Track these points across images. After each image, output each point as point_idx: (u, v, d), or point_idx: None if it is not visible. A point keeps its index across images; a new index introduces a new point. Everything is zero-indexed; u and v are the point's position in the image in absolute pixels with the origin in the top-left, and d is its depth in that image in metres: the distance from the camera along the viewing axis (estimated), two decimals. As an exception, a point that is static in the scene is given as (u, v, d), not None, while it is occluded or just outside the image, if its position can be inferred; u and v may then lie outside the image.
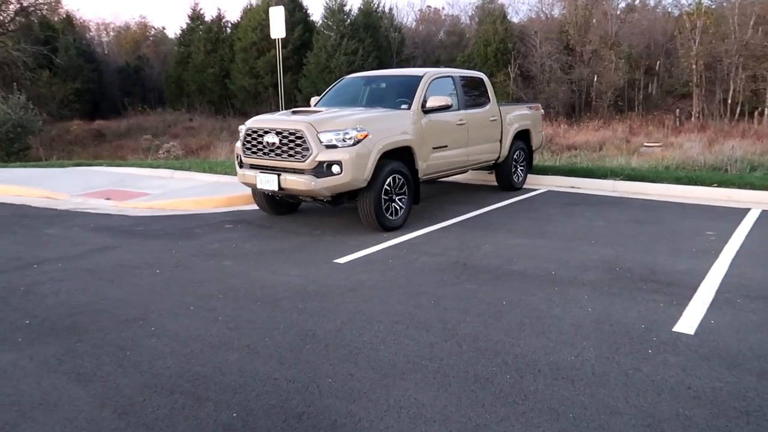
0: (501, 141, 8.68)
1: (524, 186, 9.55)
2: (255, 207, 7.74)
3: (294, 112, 6.96)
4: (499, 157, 8.73)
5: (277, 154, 6.39)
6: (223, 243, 6.24)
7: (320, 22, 37.19)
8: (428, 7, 50.03)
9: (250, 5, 39.71)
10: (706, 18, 31.49)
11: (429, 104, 7.05)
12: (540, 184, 9.82)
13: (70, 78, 39.79)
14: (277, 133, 6.35)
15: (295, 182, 6.22)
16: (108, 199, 8.94)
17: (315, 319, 4.11)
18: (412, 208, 6.99)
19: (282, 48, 36.89)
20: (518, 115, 9.18)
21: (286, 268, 5.34)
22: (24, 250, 6.07)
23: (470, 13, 45.67)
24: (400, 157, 6.74)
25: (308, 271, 5.24)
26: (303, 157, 6.17)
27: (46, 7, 45.05)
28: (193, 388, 3.19)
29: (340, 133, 6.10)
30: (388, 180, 6.49)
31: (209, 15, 43.48)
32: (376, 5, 39.10)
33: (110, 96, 45.32)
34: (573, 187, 9.53)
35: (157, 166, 11.75)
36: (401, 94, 7.27)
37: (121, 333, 3.94)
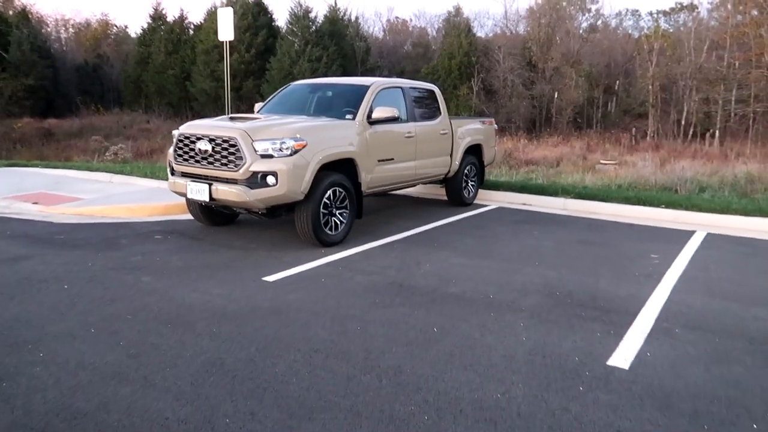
0: (452, 155, 8.48)
1: (475, 201, 9.37)
2: (191, 217, 7.32)
3: (232, 119, 6.61)
4: (449, 171, 8.52)
5: (209, 162, 6.01)
6: (147, 256, 5.81)
7: (285, 27, 36.76)
8: (396, 17, 50.04)
9: (214, 7, 38.96)
10: (664, 40, 32.34)
11: (375, 115, 6.78)
12: (491, 200, 9.65)
13: (22, 74, 38.29)
14: (210, 140, 5.97)
15: (228, 193, 5.86)
16: (35, 203, 8.37)
17: (227, 346, 3.76)
18: (355, 222, 6.69)
19: (246, 52, 36.59)
20: (470, 129, 9.01)
21: (210, 285, 4.96)
22: (-77, 259, 5.53)
23: (437, 26, 45.94)
24: (341, 169, 6.44)
25: (233, 289, 4.88)
26: (236, 166, 5.81)
27: (-1, -1, 43.53)
28: (68, 429, 2.80)
29: (277, 143, 5.77)
30: (328, 193, 6.18)
31: (172, 15, 42.57)
32: (342, 13, 38.92)
33: (66, 94, 43.78)
34: (525, 204, 9.39)
35: (96, 169, 11.16)
36: (347, 103, 6.99)
37: (4, 359, 3.51)
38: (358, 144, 6.56)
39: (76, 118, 36.29)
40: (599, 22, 40.77)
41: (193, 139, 6.12)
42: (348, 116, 6.79)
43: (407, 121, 7.53)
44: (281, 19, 38.28)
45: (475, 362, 3.62)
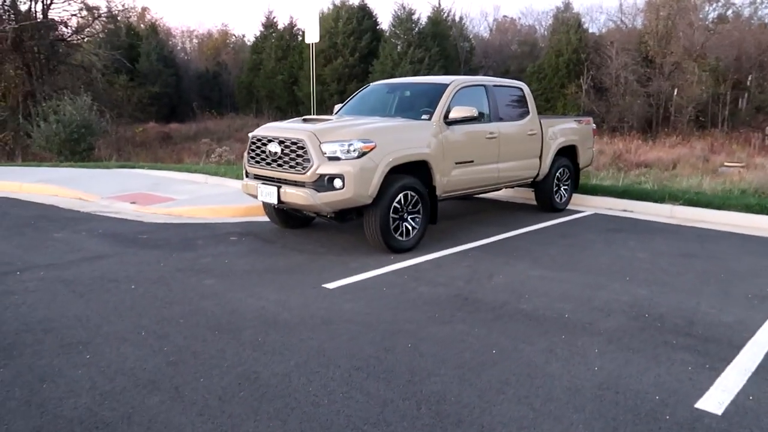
0: (541, 157, 7.88)
1: (569, 207, 8.68)
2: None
3: (305, 120, 6.51)
4: (538, 174, 7.93)
5: (278, 165, 5.94)
6: (217, 257, 5.83)
7: (388, 30, 36.94)
8: (504, 16, 48.60)
9: (322, 13, 39.98)
10: (805, 28, 28.87)
11: (452, 115, 6.40)
12: (588, 205, 8.90)
13: (149, 82, 41.64)
14: (280, 142, 5.90)
15: (295, 195, 5.74)
16: (133, 203, 8.81)
17: (267, 358, 3.58)
18: (432, 227, 6.36)
19: (350, 56, 37.24)
20: (563, 129, 8.35)
21: (269, 291, 4.84)
22: (19, 255, 5.90)
23: (545, 23, 44.22)
24: (414, 172, 6.13)
25: (290, 295, 4.73)
26: (303, 168, 5.69)
27: (132, 15, 47.60)
28: (85, 440, 2.73)
29: (345, 144, 5.57)
30: (399, 197, 5.89)
31: (282, 23, 44.24)
32: (445, 14, 38.54)
33: (188, 100, 46.97)
34: (625, 211, 8.56)
35: (195, 171, 11.64)
36: (425, 103, 6.67)
37: (53, 359, 3.55)
38: (432, 145, 6.21)
39: (194, 122, 38.75)
40: (729, 12, 37.23)
41: (264, 141, 6.08)
42: (424, 116, 6.47)
43: (490, 120, 7.07)
44: (385, 22, 38.33)
45: (532, 394, 3.17)
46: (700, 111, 30.76)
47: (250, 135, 6.41)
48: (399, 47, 35.26)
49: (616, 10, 48.56)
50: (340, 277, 5.21)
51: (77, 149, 18.28)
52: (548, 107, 33.85)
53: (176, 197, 9.22)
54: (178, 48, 59.36)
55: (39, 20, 23.54)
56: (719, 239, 6.85)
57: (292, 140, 5.77)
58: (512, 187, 8.43)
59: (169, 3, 71.61)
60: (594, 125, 9.18)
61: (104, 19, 32.32)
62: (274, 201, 5.91)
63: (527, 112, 7.70)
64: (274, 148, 5.93)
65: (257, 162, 6.21)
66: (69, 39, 26.14)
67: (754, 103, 31.96)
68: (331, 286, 4.98)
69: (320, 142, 5.62)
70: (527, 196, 9.11)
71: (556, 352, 3.71)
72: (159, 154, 22.71)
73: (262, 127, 6.42)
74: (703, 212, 8.00)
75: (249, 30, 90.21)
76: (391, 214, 5.86)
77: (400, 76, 33.94)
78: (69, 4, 25.16)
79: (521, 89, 7.78)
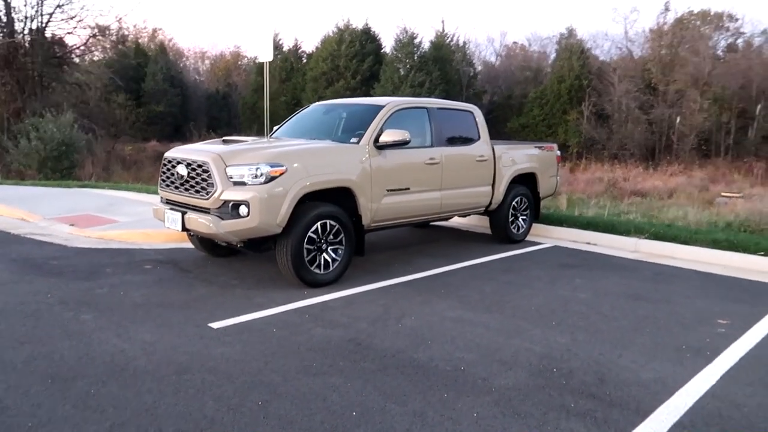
0: (494, 185, 7.38)
1: (530, 238, 8.14)
2: (199, 245, 6.86)
3: (224, 142, 6.07)
4: (490, 203, 7.42)
5: (185, 189, 5.49)
6: (114, 288, 5.36)
7: (390, 54, 36.83)
8: (514, 42, 48.15)
9: (328, 35, 40.02)
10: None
11: (383, 138, 5.94)
12: (551, 236, 8.36)
13: (154, 101, 41.92)
14: (187, 165, 5.46)
15: (198, 223, 5.28)
16: (72, 225, 8.39)
17: (83, 415, 3.07)
18: (369, 258, 5.85)
19: (351, 78, 37.14)
20: (520, 156, 7.85)
21: (144, 330, 4.35)
22: None
23: (550, 49, 43.88)
24: (337, 199, 5.66)
25: (164, 336, 4.23)
26: (207, 193, 5.23)
27: (143, 36, 48.26)
28: None
29: (252, 168, 5.11)
30: (315, 226, 5.40)
31: (287, 45, 44.41)
32: (449, 39, 38.39)
33: (195, 120, 47.15)
34: (589, 243, 8.00)
35: (154, 192, 11.25)
36: (358, 125, 6.21)
37: None
38: (358, 171, 5.74)
39: (197, 141, 38.70)
40: (739, 41, 36.63)
41: (174, 163, 5.65)
42: (353, 139, 6.01)
43: (432, 145, 6.60)
44: (389, 46, 38.22)
45: (366, 474, 2.63)
46: (704, 139, 30.13)
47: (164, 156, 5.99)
48: (401, 71, 35.11)
49: (621, 37, 48.15)
50: (235, 314, 4.71)
51: (59, 167, 18.06)
52: (549, 133, 33.39)
53: (120, 219, 8.80)
54: (191, 69, 59.90)
55: (34, 38, 23.61)
56: (677, 278, 6.26)
57: (198, 162, 5.33)
58: (464, 216, 7.92)
59: (183, 25, 72.59)
60: (558, 152, 8.66)
61: (113, 39, 32.76)
62: (179, 228, 5.45)
63: (477, 137, 7.22)
64: (182, 170, 5.49)
65: (167, 186, 5.77)
66: (65, 57, 26.22)
67: (760, 132, 31.24)
68: (217, 325, 4.48)
69: (226, 166, 5.17)
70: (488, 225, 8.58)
71: (426, 416, 3.17)
72: (147, 173, 22.48)
73: (175, 148, 6.00)
74: (669, 247, 7.43)
75: (260, 52, 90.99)
76: (306, 245, 5.37)
77: (400, 100, 33.71)
78: (67, 22, 25.25)
79: (471, 113, 7.31)
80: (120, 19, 53.02)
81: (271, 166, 5.12)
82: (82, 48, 26.69)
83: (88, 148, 19.50)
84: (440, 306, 5.07)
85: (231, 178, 5.14)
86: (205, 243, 6.46)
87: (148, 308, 4.84)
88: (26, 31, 23.46)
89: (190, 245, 7.15)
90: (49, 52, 25.01)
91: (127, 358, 3.82)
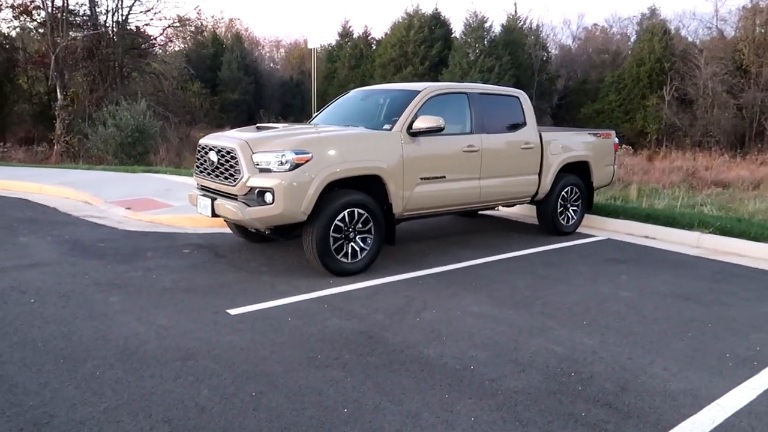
0: (540, 173, 7.02)
1: (582, 230, 7.72)
2: (239, 231, 6.94)
3: (258, 128, 6.07)
4: (537, 192, 7.06)
5: (216, 175, 5.54)
6: (148, 272, 5.50)
7: (459, 38, 36.14)
8: (594, 25, 45.88)
9: (397, 21, 39.75)
10: None
11: (416, 125, 5.74)
12: (605, 229, 7.89)
13: (229, 89, 43.25)
14: (217, 152, 5.49)
15: (226, 209, 5.31)
16: (128, 208, 8.73)
17: (83, 397, 3.13)
18: (406, 246, 5.73)
19: (419, 65, 36.76)
20: (570, 143, 7.42)
21: (165, 314, 4.42)
22: (-36, 259, 5.84)
23: (631, 30, 41.67)
24: (368, 187, 5.54)
25: (180, 321, 4.28)
26: (234, 180, 5.24)
27: (220, 26, 49.95)
28: None
29: (278, 155, 5.07)
30: (342, 215, 5.31)
31: (357, 32, 44.51)
32: (521, 22, 37.22)
33: (268, 107, 48.31)
34: (647, 237, 7.49)
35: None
36: (394, 112, 6.04)
37: None
38: (390, 158, 5.59)
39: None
40: None
41: (207, 149, 5.71)
42: (386, 126, 5.86)
43: (471, 132, 6.33)
44: (459, 30, 37.51)
45: (339, 476, 2.52)
46: (801, 125, 27.77)
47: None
48: (470, 56, 34.41)
49: (710, 16, 44.98)
50: (256, 301, 4.71)
51: (133, 152, 18.95)
52: (626, 119, 31.83)
53: (174, 204, 9.07)
54: (266, 57, 61.31)
55: (115, 30, 24.83)
56: (738, 279, 5.73)
57: (227, 149, 5.35)
58: (509, 206, 7.61)
59: (260, 15, 74.37)
60: (616, 139, 8.13)
61: (192, 29, 34.04)
62: (209, 214, 5.51)
63: (523, 124, 6.87)
64: (213, 157, 5.54)
65: (200, 172, 5.85)
66: (145, 47, 27.43)
67: None
68: (235, 311, 4.49)
69: (252, 153, 5.15)
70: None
71: (420, 417, 3.01)
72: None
73: (210, 135, 6.06)
74: (736, 243, 6.82)
75: (334, 39, 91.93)
76: (332, 234, 5.29)
77: (468, 85, 33.06)
78: (145, 14, 26.40)
79: (517, 98, 6.96)
80: (198, 10, 55.01)
81: (296, 153, 5.06)
82: (161, 39, 27.93)
83: (162, 134, 20.30)
84: (466, 300, 4.86)
85: (258, 165, 5.12)
86: (241, 229, 6.53)
87: (173, 292, 4.92)
88: (108, 24, 24.68)
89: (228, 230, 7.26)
90: (130, 42, 26.23)
91: (139, 342, 3.88)
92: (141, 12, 26.76)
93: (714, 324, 4.44)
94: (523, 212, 8.65)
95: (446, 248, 6.64)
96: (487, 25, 34.96)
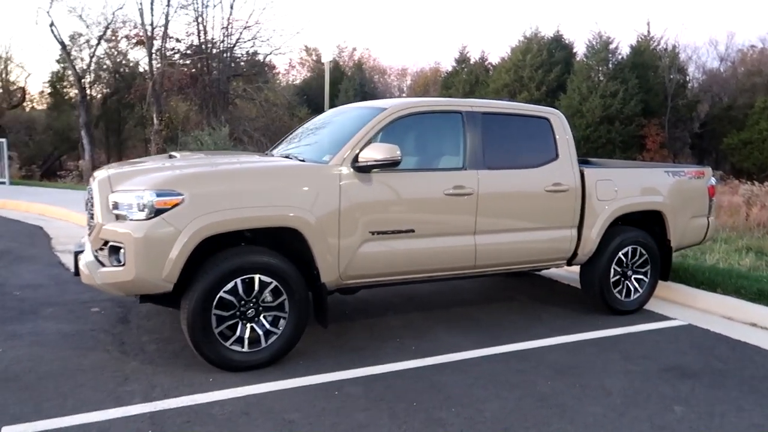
0: (581, 226, 4.89)
1: (653, 308, 5.40)
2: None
3: (170, 156, 4.65)
4: (575, 254, 4.94)
5: (90, 218, 4.16)
6: (8, 340, 4.22)
7: (580, 62, 33.15)
8: (752, 46, 39.59)
9: (515, 46, 37.54)
10: None
11: (364, 156, 3.98)
12: (691, 306, 5.51)
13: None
14: (90, 188, 4.12)
15: (83, 265, 3.89)
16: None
17: None
18: (375, 321, 3.99)
19: (536, 90, 34.20)
20: (634, 185, 5.18)
21: None
22: None
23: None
24: (282, 244, 3.87)
25: None
26: (90, 228, 3.83)
27: (344, 55, 51.14)
28: None
29: (136, 196, 3.57)
30: (233, 284, 3.67)
31: (474, 57, 42.82)
32: (655, 43, 33.37)
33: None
34: (754, 325, 5.03)
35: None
36: (344, 137, 4.32)
37: None
38: (318, 203, 3.87)
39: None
40: None
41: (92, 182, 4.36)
42: (326, 156, 4.16)
43: (463, 167, 4.42)
44: (581, 53, 34.44)
45: None
46: None
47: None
48: (591, 80, 31.32)
49: None
50: (64, 413, 3.20)
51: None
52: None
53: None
54: (394, 86, 61.71)
55: (221, 59, 25.35)
56: None
57: (90, 186, 3.96)
58: (533, 271, 5.50)
59: (389, 45, 75.23)
60: (713, 179, 5.70)
61: (313, 58, 34.49)
62: (73, 270, 4.12)
63: (552, 156, 4.81)
64: (88, 194, 4.18)
65: (87, 210, 4.50)
66: (254, 74, 27.84)
67: None
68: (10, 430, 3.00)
69: (111, 191, 3.70)
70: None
71: None
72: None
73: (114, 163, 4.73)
74: None
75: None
76: (215, 311, 3.66)
77: (588, 112, 30.00)
78: (252, 44, 26.79)
79: (547, 119, 4.90)
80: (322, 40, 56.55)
81: (158, 195, 3.52)
82: (283, 68, 28.25)
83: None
84: (374, 439, 2.98)
85: (114, 208, 3.65)
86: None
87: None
88: (214, 52, 25.24)
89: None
90: (234, 70, 26.72)
91: None
92: (247, 41, 27.21)
93: None
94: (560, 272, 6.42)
95: (428, 329, 4.72)
96: (612, 46, 31.69)
